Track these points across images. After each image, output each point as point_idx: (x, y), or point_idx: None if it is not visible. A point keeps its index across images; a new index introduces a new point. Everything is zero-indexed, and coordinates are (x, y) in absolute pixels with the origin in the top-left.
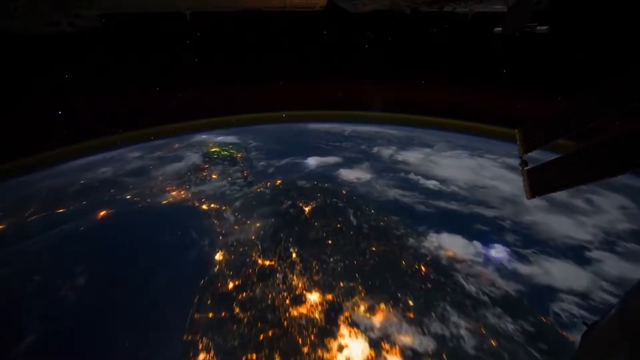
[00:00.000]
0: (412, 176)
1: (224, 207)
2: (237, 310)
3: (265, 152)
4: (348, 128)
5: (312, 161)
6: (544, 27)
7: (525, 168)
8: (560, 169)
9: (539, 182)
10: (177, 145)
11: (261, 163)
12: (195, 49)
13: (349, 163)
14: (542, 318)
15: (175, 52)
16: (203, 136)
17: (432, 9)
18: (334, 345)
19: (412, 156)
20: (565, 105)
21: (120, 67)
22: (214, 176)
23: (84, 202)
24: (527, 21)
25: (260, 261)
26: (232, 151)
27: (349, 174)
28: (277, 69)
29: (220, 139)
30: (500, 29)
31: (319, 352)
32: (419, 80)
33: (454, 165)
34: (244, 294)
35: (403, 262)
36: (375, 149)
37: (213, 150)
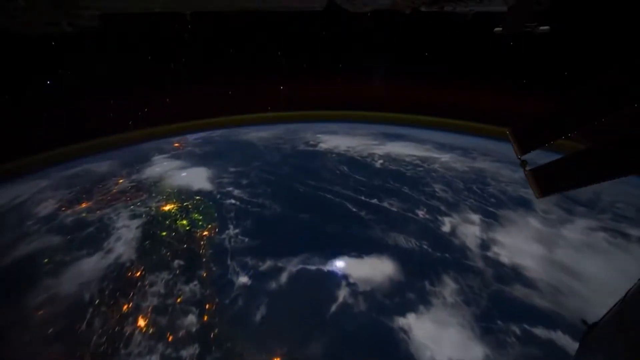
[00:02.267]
0: (567, 344)
1: None
2: None
3: (251, 226)
4: (376, 147)
5: (340, 271)
6: (545, 27)
7: (527, 168)
8: (569, 167)
9: (548, 182)
10: (120, 181)
11: (242, 278)
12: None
13: (414, 281)
14: None
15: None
16: (165, 162)
17: (432, 9)
18: None
19: (521, 247)
20: (564, 104)
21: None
22: (140, 323)
23: None
24: (527, 21)
25: None
26: (196, 217)
27: (430, 336)
28: (278, 69)
29: (185, 176)
30: (500, 29)
31: None
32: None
33: (613, 277)
34: None
35: None
36: (446, 222)
37: (166, 210)
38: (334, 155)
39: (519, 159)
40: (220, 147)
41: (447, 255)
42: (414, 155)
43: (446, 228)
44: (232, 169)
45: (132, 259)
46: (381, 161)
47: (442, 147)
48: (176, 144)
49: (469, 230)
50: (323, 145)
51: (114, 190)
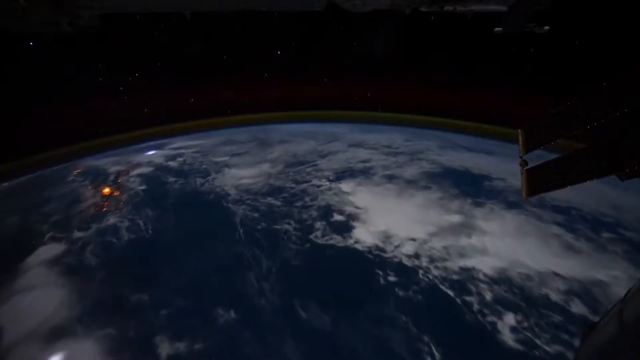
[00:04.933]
0: None
1: None
2: None
3: None
4: (468, 245)
5: None
6: (545, 28)
7: (525, 168)
8: (557, 168)
9: (536, 182)
10: None
11: None
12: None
13: None
14: None
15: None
16: (36, 299)
17: (432, 9)
18: None
19: None
20: (565, 105)
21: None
22: None
23: None
24: (527, 21)
25: None
26: None
27: None
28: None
29: None
30: (500, 29)
31: None
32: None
33: None
34: None
35: None
36: None
37: None
38: (391, 278)
39: (520, 157)
40: (169, 214)
41: None
42: (563, 277)
43: None
44: None
45: None
46: (510, 320)
47: (586, 223)
48: (105, 190)
49: None
50: (361, 235)
51: None
